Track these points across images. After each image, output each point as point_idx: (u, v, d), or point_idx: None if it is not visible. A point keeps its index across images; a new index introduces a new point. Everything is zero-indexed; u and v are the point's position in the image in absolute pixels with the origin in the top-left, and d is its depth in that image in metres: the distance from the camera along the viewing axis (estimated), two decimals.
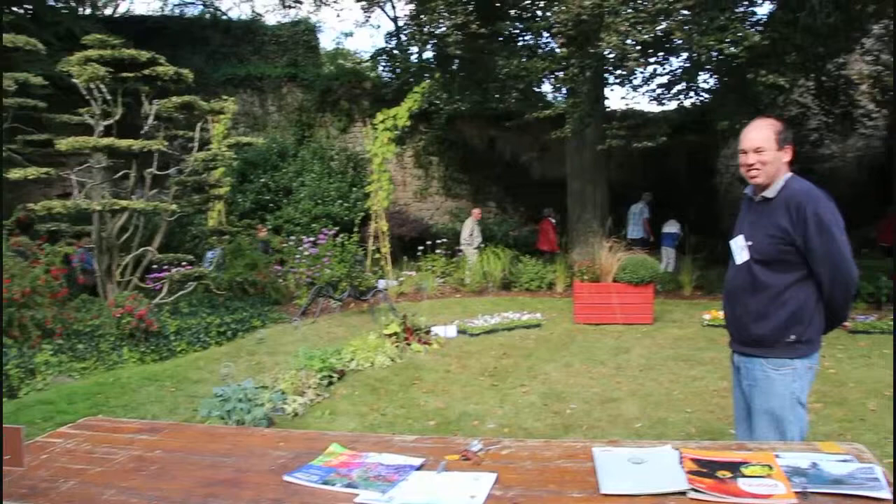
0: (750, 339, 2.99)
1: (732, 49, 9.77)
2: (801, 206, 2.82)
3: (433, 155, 19.46)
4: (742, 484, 1.80)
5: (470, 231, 14.78)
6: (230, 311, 10.56)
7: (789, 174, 2.97)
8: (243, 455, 2.25)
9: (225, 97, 13.01)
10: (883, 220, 14.69)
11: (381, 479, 1.97)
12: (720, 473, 1.86)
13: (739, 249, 3.02)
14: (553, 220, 15.64)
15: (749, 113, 11.15)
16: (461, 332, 9.34)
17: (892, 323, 9.10)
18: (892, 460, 4.40)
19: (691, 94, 12.93)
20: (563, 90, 13.32)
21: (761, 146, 2.89)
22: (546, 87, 14.89)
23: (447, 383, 6.81)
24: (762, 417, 2.97)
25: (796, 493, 1.74)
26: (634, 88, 12.48)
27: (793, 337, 2.89)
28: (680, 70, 12.29)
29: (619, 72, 11.76)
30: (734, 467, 1.90)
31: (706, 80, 13.01)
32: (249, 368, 7.44)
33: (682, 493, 1.76)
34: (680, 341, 8.62)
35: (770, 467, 1.90)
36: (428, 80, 14.60)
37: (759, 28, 11.47)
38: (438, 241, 15.01)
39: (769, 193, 2.94)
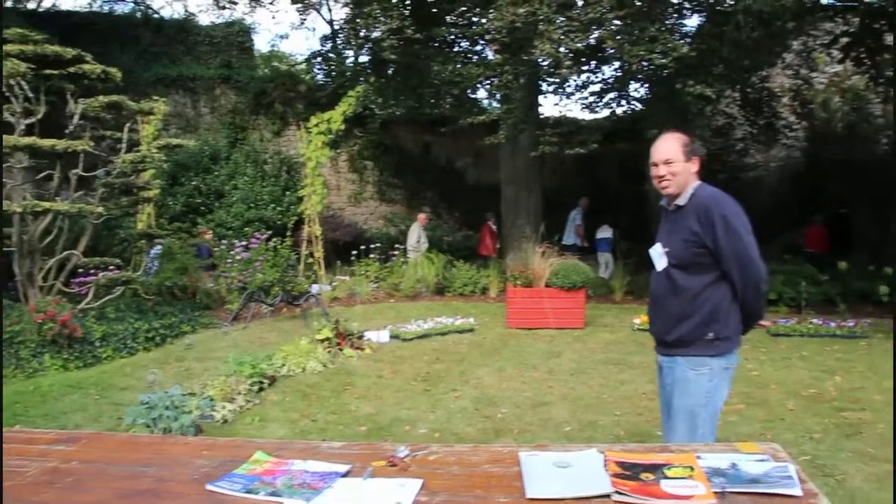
0: (672, 340, 3.11)
1: (662, 60, 10.02)
2: (709, 210, 2.96)
3: (368, 159, 19.38)
4: (664, 485, 1.82)
5: (417, 237, 14.76)
6: (159, 316, 10.28)
7: (698, 182, 3.12)
8: (165, 464, 2.18)
9: (156, 97, 12.68)
10: (809, 228, 15.28)
11: (306, 487, 1.93)
12: (643, 475, 1.88)
13: (658, 257, 3.16)
14: (493, 226, 15.75)
15: (678, 122, 11.47)
16: (394, 337, 9.30)
17: (810, 327, 9.49)
18: (809, 457, 4.58)
19: (623, 102, 13.22)
20: (498, 97, 13.44)
21: (670, 158, 3.05)
22: (481, 94, 15.02)
23: (379, 388, 6.77)
24: (679, 415, 3.08)
25: (715, 493, 1.77)
26: (568, 96, 12.69)
27: (711, 335, 3.02)
28: (612, 79, 12.54)
29: (552, 79, 11.92)
30: (657, 469, 1.93)
31: (637, 89, 13.34)
32: (178, 375, 7.25)
33: (607, 496, 1.77)
34: (611, 345, 8.77)
35: (691, 468, 1.93)
36: (363, 85, 14.53)
37: (688, 40, 11.82)
38: (373, 246, 14.93)
39: (681, 202, 3.09)
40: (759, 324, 3.25)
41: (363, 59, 15.56)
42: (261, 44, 42.85)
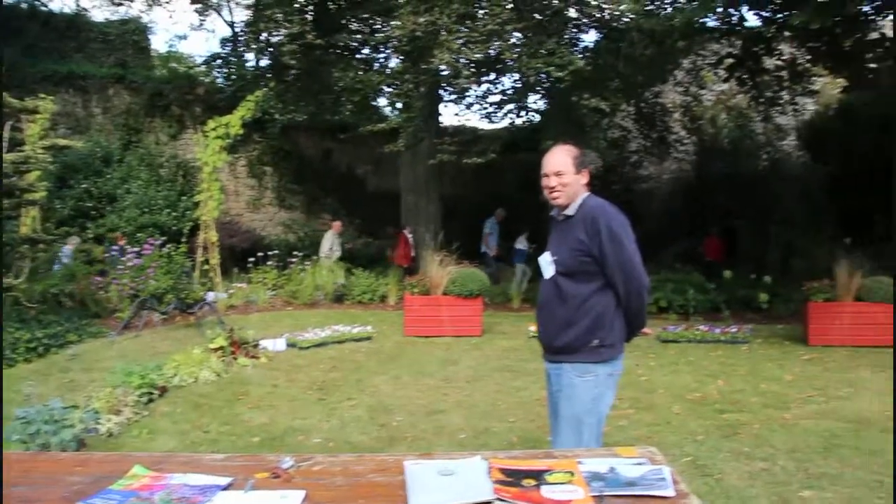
0: (559, 347, 3.17)
1: (559, 73, 10.28)
2: (595, 219, 3.06)
3: (267, 165, 19.01)
4: (545, 491, 1.85)
5: (330, 245, 14.60)
6: (43, 325, 9.71)
7: (587, 194, 3.21)
8: (34, 484, 2.05)
9: (43, 95, 12.03)
10: (706, 238, 15.98)
11: (185, 501, 1.86)
12: (525, 482, 1.91)
13: (547, 265, 3.23)
14: (409, 234, 15.72)
15: (575, 133, 11.81)
16: (290, 345, 9.14)
17: (697, 333, 9.92)
18: (691, 458, 4.78)
19: (522, 113, 13.48)
20: (399, 104, 13.47)
21: (561, 170, 3.13)
22: (382, 101, 15.02)
23: (274, 398, 6.63)
24: (566, 422, 3.15)
25: (593, 497, 1.81)
26: (468, 106, 12.83)
27: (596, 342, 3.10)
28: (511, 90, 12.77)
29: (452, 89, 12.05)
30: (538, 475, 1.96)
31: (536, 101, 13.64)
32: (61, 387, 6.88)
33: (488, 503, 1.79)
34: (506, 352, 8.90)
35: (571, 473, 1.97)
36: (263, 89, 14.27)
37: (586, 55, 12.19)
38: (271, 253, 14.65)
39: (570, 212, 3.18)
40: (641, 331, 3.35)
41: (264, 62, 15.30)
42: (158, 44, 41.40)
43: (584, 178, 3.19)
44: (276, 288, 13.77)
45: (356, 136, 15.48)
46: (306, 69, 13.26)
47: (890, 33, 11.72)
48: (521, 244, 15.47)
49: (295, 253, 14.77)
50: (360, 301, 13.34)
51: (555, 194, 3.16)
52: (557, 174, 3.13)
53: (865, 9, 11.00)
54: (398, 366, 8.14)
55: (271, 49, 13.01)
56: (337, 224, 15.11)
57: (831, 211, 15.51)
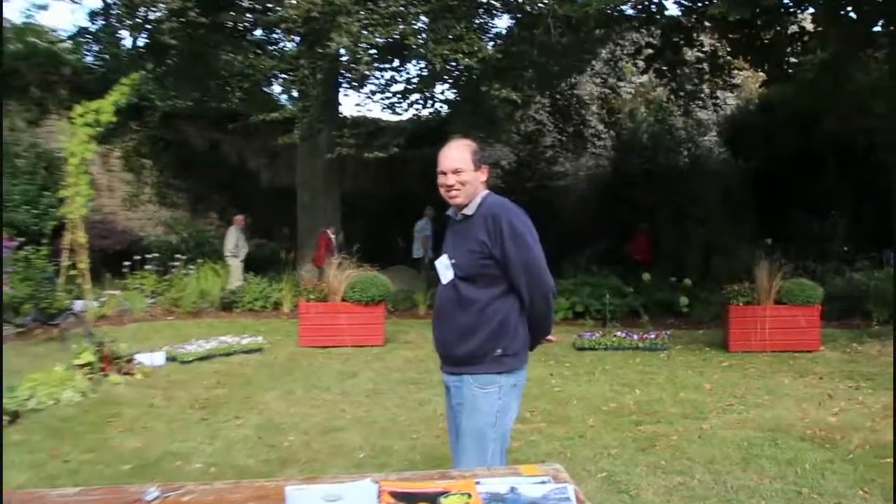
0: (459, 357, 3.16)
1: (467, 60, 10.35)
2: (496, 218, 3.06)
3: (146, 157, 18.36)
4: None
5: (235, 241, 14.28)
6: None
7: (486, 192, 3.22)
8: None
9: None
10: (635, 236, 16.40)
11: None
12: None
13: (444, 269, 3.21)
14: (332, 235, 15.47)
15: (485, 126, 11.91)
16: (171, 359, 8.88)
17: (614, 340, 10.17)
18: (606, 474, 4.87)
19: (428, 104, 13.50)
20: (294, 92, 13.28)
21: (459, 167, 3.13)
22: (276, 88, 14.77)
23: (149, 419, 6.41)
24: (468, 437, 3.14)
25: None
26: (370, 95, 12.77)
27: (499, 350, 3.11)
28: (417, 79, 12.78)
29: (351, 76, 11.97)
30: (433, 498, 1.93)
31: (443, 91, 13.68)
32: None
33: None
34: (410, 364, 8.90)
35: (469, 496, 1.95)
36: (140, 71, 13.79)
37: (499, 42, 12.31)
38: (150, 256, 14.18)
39: (468, 211, 3.18)
40: (546, 338, 3.39)
41: (141, 41, 14.78)
42: (11, 13, 39.42)
43: (483, 175, 3.20)
44: (156, 295, 13.35)
45: (247, 127, 15.13)
46: (190, 50, 12.89)
47: (809, 27, 12.33)
48: None
49: (178, 256, 14.35)
50: (252, 309, 13.10)
51: (453, 193, 3.14)
52: (455, 172, 3.12)
53: (785, 0, 11.55)
54: (292, 380, 8.02)
55: (149, 26, 12.58)
56: (239, 218, 14.79)
57: (752, 209, 16.22)
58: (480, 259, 3.08)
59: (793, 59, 12.89)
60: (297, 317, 10.96)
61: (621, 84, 19.47)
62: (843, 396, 7.13)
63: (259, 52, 12.77)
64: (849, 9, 10.88)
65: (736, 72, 16.17)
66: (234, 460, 5.31)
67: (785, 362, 8.97)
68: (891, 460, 5.04)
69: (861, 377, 8.00)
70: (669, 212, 16.32)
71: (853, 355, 9.44)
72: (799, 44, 12.40)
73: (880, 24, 11.19)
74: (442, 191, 3.19)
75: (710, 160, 18.39)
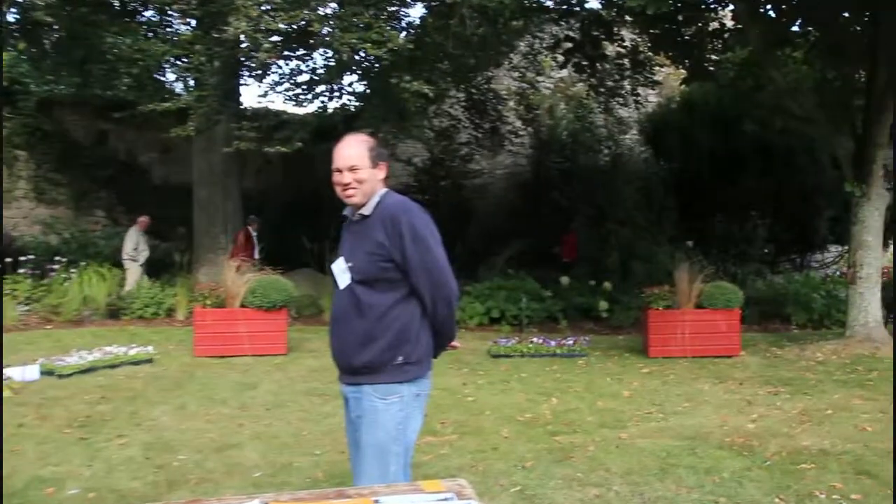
0: (358, 367, 3.15)
1: (376, 50, 10.29)
2: (395, 218, 3.07)
3: (20, 148, 17.55)
4: None
5: (135, 244, 13.89)
6: None
7: (384, 190, 3.23)
8: None
9: None
10: (565, 236, 16.61)
11: None
12: None
13: (341, 273, 3.20)
14: (254, 231, 15.08)
15: (395, 121, 11.88)
16: (46, 372, 8.52)
17: (531, 346, 10.29)
18: (519, 488, 4.90)
19: (336, 96, 13.36)
20: (189, 80, 12.96)
21: (356, 164, 3.12)
22: (170, 76, 14.36)
23: (18, 441, 6.11)
24: (369, 452, 3.13)
25: None
26: (273, 86, 12.56)
27: (401, 358, 3.11)
28: (323, 69, 12.64)
29: (252, 64, 11.76)
30: None
31: (352, 82, 13.58)
32: None
33: None
34: (315, 373, 8.80)
35: None
36: (11, 52, 13.24)
37: (412, 32, 12.28)
38: (23, 259, 13.62)
39: (366, 211, 3.17)
40: (450, 345, 3.40)
41: (11, 17, 14.15)
42: None
43: (381, 173, 3.21)
44: (32, 302, 12.84)
45: (137, 117, 14.65)
46: (70, 30, 12.42)
47: (730, 23, 12.74)
48: None
49: (58, 258, 13.82)
50: (142, 316, 12.75)
51: (349, 192, 3.14)
52: (352, 169, 3.11)
53: None
54: (184, 393, 7.82)
55: (21, 1, 12.06)
56: (143, 220, 14.40)
57: (673, 211, 16.66)
58: (379, 262, 3.08)
59: (714, 57, 13.28)
60: (192, 324, 10.71)
61: (540, 79, 19.69)
62: (762, 402, 7.39)
63: (150, 34, 12.40)
64: (768, 6, 11.31)
65: (657, 68, 16.57)
66: (115, 484, 5.12)
67: (705, 368, 9.25)
68: (806, 466, 5.28)
69: (780, 382, 8.32)
70: (589, 213, 16.60)
71: (773, 360, 9.81)
72: (720, 41, 12.79)
73: (798, 23, 11.68)
74: (337, 189, 3.18)
75: (631, 160, 18.80)
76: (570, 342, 10.52)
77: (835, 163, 13.18)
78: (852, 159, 10.88)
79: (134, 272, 13.89)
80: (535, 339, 10.64)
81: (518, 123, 19.67)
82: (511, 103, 19.52)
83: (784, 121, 12.80)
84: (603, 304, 13.11)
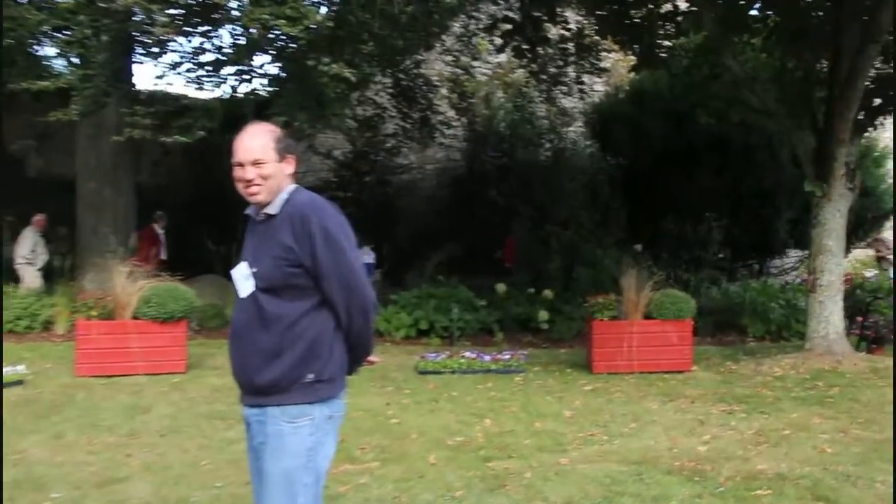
0: (262, 386, 3.09)
1: (290, 28, 10.17)
2: (305, 218, 3.03)
3: None
4: None
5: (31, 246, 13.69)
6: None
7: (293, 186, 3.20)
8: None
9: None
10: (508, 239, 16.65)
11: None
12: None
13: (243, 279, 3.16)
14: (160, 230, 14.67)
15: (313, 108, 11.75)
16: None
17: (462, 362, 10.29)
18: None
19: (246, 79, 13.14)
20: (73, 56, 12.59)
21: (260, 158, 3.08)
22: (49, 50, 13.93)
23: None
24: (273, 482, 3.07)
25: None
26: (172, 66, 12.32)
27: (311, 376, 3.06)
28: (232, 48, 12.44)
29: (147, 40, 11.53)
30: None
31: (265, 64, 13.39)
32: None
33: None
34: (219, 394, 8.64)
35: None
36: None
37: (333, 8, 12.16)
38: None
39: (272, 210, 3.13)
40: (367, 360, 3.37)
41: None
42: None
43: (289, 167, 3.18)
44: None
45: (11, 98, 14.17)
46: None
47: (683, 5, 12.94)
48: (367, 258, 15.31)
49: None
50: (13, 330, 12.38)
51: (253, 189, 3.10)
52: (255, 163, 3.08)
53: None
54: (62, 419, 7.58)
55: None
56: (39, 219, 14.09)
57: (621, 211, 16.85)
58: (286, 267, 3.03)
59: (666, 43, 13.46)
60: (73, 339, 10.42)
61: (475, 64, 19.75)
62: (715, 422, 7.51)
63: (24, 1, 12.02)
64: None
65: (604, 54, 16.73)
66: None
67: (654, 384, 9.38)
68: (761, 492, 5.37)
69: (734, 400, 8.48)
70: (528, 213, 16.66)
71: (727, 375, 10.00)
72: (672, 24, 12.97)
73: (757, 6, 11.91)
74: (239, 186, 3.13)
75: (576, 155, 18.93)
76: (507, 357, 10.54)
77: (795, 160, 13.50)
78: (813, 156, 11.14)
79: (30, 277, 13.67)
80: (467, 354, 10.62)
81: (451, 113, 19.65)
82: (443, 91, 19.49)
83: (741, 113, 13.02)
84: (543, 315, 13.19)
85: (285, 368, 3.04)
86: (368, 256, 15.83)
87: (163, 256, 14.49)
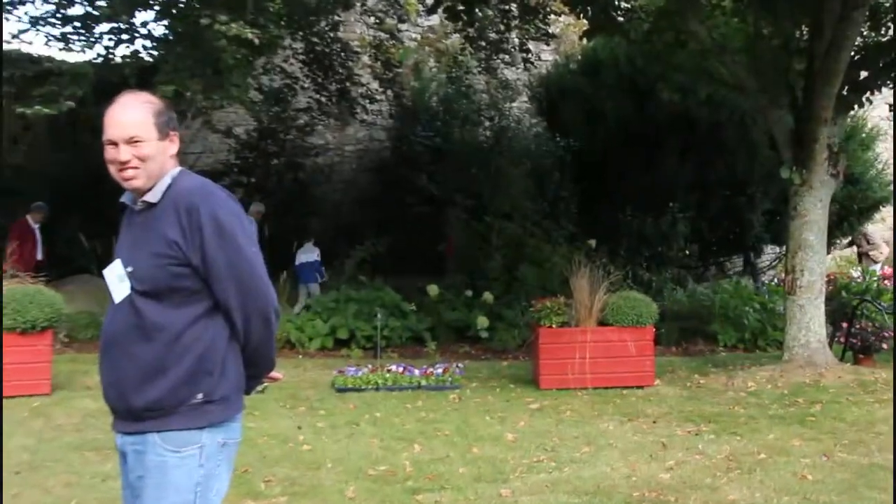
0: (140, 409, 3.00)
1: None
2: (192, 207, 2.95)
3: None
4: None
5: None
6: None
7: (177, 169, 3.12)
8: None
9: None
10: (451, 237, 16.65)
11: None
12: None
13: (117, 281, 3.06)
14: (34, 224, 14.26)
15: (207, 77, 11.58)
16: None
17: (388, 377, 10.25)
18: None
19: (126, 40, 12.93)
20: None
21: (137, 135, 2.99)
22: None
23: None
24: None
25: None
26: (34, 22, 12.06)
27: (200, 396, 2.98)
28: (107, 3, 12.22)
29: None
30: None
31: (150, 22, 13.19)
32: None
33: None
34: (93, 419, 8.45)
35: None
36: None
37: None
38: None
39: (152, 197, 3.05)
40: (269, 376, 3.33)
41: None
42: None
43: (172, 146, 3.10)
44: None
45: None
46: None
47: None
48: (311, 254, 15.10)
49: None
50: None
51: (129, 173, 3.00)
52: (131, 142, 2.98)
53: None
54: None
55: None
56: None
57: (572, 201, 16.93)
58: (170, 266, 2.95)
59: (623, 4, 13.51)
60: None
61: (403, 27, 19.67)
62: (681, 445, 7.56)
63: None
64: None
65: (553, 17, 16.77)
66: None
67: (610, 402, 9.43)
68: None
69: (702, 419, 8.56)
70: (465, 203, 16.65)
71: (694, 390, 10.11)
72: None
73: None
74: (112, 169, 3.03)
75: (520, 135, 18.99)
76: (440, 371, 10.54)
77: (771, 142, 13.65)
78: (791, 138, 11.27)
79: None
80: (393, 368, 10.62)
81: (374, 85, 19.53)
82: (365, 58, 19.38)
83: (709, 88, 13.19)
84: (482, 321, 13.19)
85: (170, 387, 2.95)
86: (313, 253, 15.74)
87: (39, 256, 14.17)
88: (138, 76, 12.53)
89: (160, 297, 2.97)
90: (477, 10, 15.37)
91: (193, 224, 2.93)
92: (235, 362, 3.08)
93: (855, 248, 17.94)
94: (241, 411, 3.15)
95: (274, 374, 3.33)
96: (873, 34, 12.09)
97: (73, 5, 12.26)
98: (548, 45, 18.05)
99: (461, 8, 15.00)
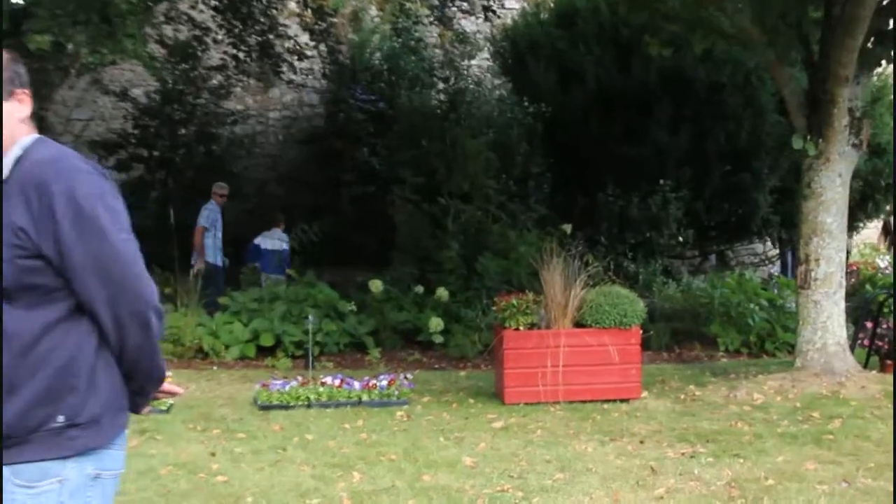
0: None
1: None
2: (43, 186, 2.82)
3: None
4: None
5: None
6: None
7: (33, 136, 3.00)
8: None
9: None
10: None
11: None
12: None
13: None
14: None
15: (94, 26, 11.39)
16: None
17: (322, 391, 10.14)
18: None
19: None
20: None
21: None
22: None
23: None
24: None
25: None
26: None
27: (62, 418, 2.85)
28: None
29: None
30: None
31: None
32: None
33: None
34: None
35: None
36: None
37: None
38: None
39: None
40: (162, 391, 3.21)
41: None
42: None
43: (22, 109, 2.98)
44: None
45: None
46: None
47: None
48: (276, 241, 14.93)
49: None
50: None
51: None
52: None
53: None
54: None
55: None
56: None
57: (543, 178, 16.89)
58: (19, 259, 2.81)
59: None
60: None
61: None
62: (673, 469, 7.51)
63: None
64: None
65: None
66: None
67: (588, 418, 9.38)
68: None
69: (699, 438, 8.52)
70: (415, 181, 16.54)
71: (689, 404, 10.07)
72: None
73: None
74: None
75: (480, 99, 18.92)
76: (384, 383, 10.44)
77: (780, 106, 13.64)
78: (804, 100, 11.21)
79: None
80: (328, 380, 10.50)
81: (304, 38, 19.37)
82: (292, 5, 19.26)
83: (707, 42, 13.17)
84: (435, 323, 13.11)
85: (21, 409, 2.82)
86: (281, 241, 15.61)
87: None
88: (10, 26, 12.36)
89: (9, 297, 2.83)
90: None
91: (45, 206, 2.79)
92: (109, 375, 2.95)
93: (881, 234, 17.91)
94: (121, 435, 3.02)
95: (169, 386, 3.19)
96: None
97: None
98: None
99: None
